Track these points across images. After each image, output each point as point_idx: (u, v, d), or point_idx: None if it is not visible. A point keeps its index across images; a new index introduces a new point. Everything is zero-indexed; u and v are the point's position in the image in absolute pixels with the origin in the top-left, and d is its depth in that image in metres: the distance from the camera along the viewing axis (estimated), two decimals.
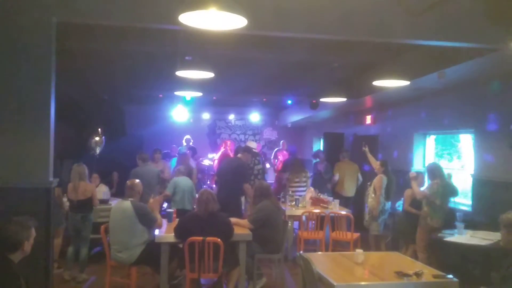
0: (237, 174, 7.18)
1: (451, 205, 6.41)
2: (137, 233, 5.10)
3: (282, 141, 13.34)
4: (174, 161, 10.75)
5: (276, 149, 13.27)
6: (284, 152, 12.47)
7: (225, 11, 3.18)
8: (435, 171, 6.17)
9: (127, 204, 5.14)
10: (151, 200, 5.54)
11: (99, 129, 9.87)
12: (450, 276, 3.98)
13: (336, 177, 8.91)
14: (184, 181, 7.35)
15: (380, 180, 7.07)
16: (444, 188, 6.01)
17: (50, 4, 4.35)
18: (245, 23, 3.43)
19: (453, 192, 6.14)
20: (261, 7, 4.36)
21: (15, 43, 4.36)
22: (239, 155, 7.70)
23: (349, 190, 8.89)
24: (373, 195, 7.10)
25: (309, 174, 8.81)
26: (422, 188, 6.35)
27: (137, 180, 5.50)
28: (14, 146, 4.38)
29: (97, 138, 9.99)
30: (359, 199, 8.04)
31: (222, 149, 11.48)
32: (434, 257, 6.05)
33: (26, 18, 4.34)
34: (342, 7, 4.63)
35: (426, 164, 7.55)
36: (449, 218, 6.09)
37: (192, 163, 9.58)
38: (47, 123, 4.45)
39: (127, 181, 5.55)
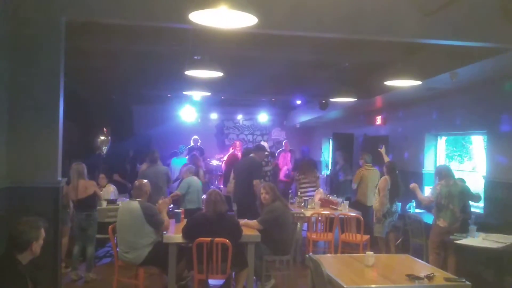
0: (251, 173, 7.22)
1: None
2: (145, 234, 5.06)
3: (284, 141, 13.20)
4: (176, 160, 10.70)
5: (279, 150, 13.18)
6: (287, 153, 12.40)
7: (235, 9, 3.14)
8: (441, 173, 6.13)
9: (135, 204, 5.11)
10: (160, 202, 5.50)
11: (104, 129, 9.90)
12: (463, 279, 3.90)
13: (354, 186, 8.09)
14: (196, 181, 7.39)
15: (383, 182, 7.01)
16: (450, 188, 5.92)
17: (59, 3, 4.34)
18: (255, 21, 3.39)
19: (464, 194, 6.02)
20: (271, 6, 4.31)
21: (24, 42, 4.36)
22: (252, 155, 7.69)
23: (371, 199, 7.79)
24: (377, 196, 7.03)
25: (318, 174, 8.70)
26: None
27: (145, 180, 5.47)
28: (22, 145, 4.38)
29: (102, 138, 10.00)
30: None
31: (231, 150, 11.46)
32: (448, 260, 5.98)
33: (36, 17, 4.34)
34: (353, 5, 4.57)
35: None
36: (464, 222, 5.98)
37: (202, 164, 9.54)
38: (56, 123, 4.45)
39: (135, 181, 5.52)
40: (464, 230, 5.81)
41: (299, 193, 8.21)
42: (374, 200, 7.73)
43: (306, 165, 8.74)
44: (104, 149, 10.41)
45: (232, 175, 8.15)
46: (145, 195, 5.28)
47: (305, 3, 4.46)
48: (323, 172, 12.73)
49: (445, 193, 5.91)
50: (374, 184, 7.85)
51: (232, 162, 9.46)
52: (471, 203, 6.29)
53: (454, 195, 5.91)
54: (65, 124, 4.64)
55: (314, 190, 8.20)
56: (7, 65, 4.31)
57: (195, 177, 7.49)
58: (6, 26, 4.27)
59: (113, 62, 7.83)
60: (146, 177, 6.66)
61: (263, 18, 3.55)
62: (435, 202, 6.04)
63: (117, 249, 5.20)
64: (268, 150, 9.40)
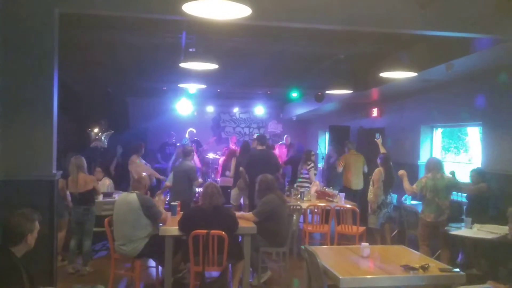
0: (269, 165, 7.35)
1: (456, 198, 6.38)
2: (142, 226, 5.08)
3: (286, 136, 13.25)
4: None
5: (280, 142, 13.22)
6: (283, 146, 12.44)
7: (229, 0, 3.12)
8: (429, 166, 6.15)
9: (132, 196, 5.14)
10: (156, 199, 5.53)
11: (101, 122, 9.86)
12: (457, 269, 3.93)
13: (339, 170, 8.68)
14: None
15: (378, 173, 7.03)
16: (435, 182, 5.93)
17: None
18: (249, 12, 3.38)
19: (451, 188, 6.04)
20: None
21: (17, 34, 4.32)
22: (263, 147, 7.86)
23: (356, 183, 8.64)
24: (371, 188, 7.06)
25: (312, 164, 8.69)
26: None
27: (144, 174, 5.53)
28: (17, 138, 4.36)
29: (95, 130, 9.97)
30: (365, 193, 7.98)
31: (231, 146, 11.53)
32: (441, 252, 6.02)
33: (29, 9, 4.31)
34: None
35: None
36: (454, 213, 6.02)
37: (196, 160, 9.53)
38: (50, 116, 4.42)
39: (135, 175, 5.58)
40: (458, 220, 5.86)
41: (295, 185, 8.28)
42: (359, 184, 8.48)
43: (306, 155, 8.77)
44: (105, 141, 10.36)
45: (233, 168, 8.22)
46: (143, 188, 5.33)
47: None
48: (319, 165, 12.75)
49: (430, 187, 5.93)
50: (358, 168, 8.57)
51: (230, 156, 9.51)
52: None
53: (439, 189, 5.92)
54: (60, 117, 4.62)
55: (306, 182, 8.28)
56: (0, 58, 4.27)
57: None
58: None
59: (107, 54, 7.80)
60: (176, 171, 7.11)
61: (257, 9, 3.54)
62: (420, 195, 6.07)
63: (114, 242, 5.22)
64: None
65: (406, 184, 6.28)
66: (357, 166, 8.63)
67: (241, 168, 7.72)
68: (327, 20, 4.64)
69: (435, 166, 6.06)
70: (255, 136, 9.28)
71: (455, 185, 6.08)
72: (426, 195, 5.96)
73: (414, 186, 6.12)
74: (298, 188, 8.02)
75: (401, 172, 6.43)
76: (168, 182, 7.34)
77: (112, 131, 10.64)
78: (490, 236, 5.28)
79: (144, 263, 5.89)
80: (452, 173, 6.39)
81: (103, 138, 10.09)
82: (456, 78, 7.03)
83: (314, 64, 8.16)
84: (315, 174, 8.61)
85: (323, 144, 14.39)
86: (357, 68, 8.39)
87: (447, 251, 5.95)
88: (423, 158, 8.81)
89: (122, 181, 8.96)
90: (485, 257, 5.69)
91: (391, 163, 7.22)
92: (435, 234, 5.98)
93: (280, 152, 11.96)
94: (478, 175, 6.41)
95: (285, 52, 7.34)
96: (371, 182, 7.15)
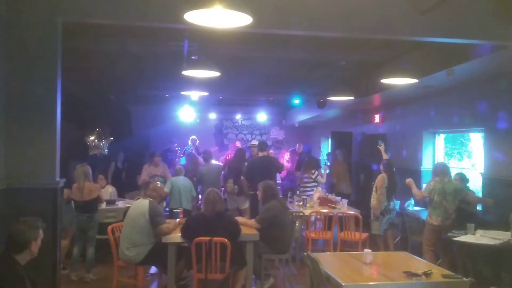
0: (271, 170, 7.66)
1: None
2: (147, 232, 5.11)
3: (298, 144, 13.22)
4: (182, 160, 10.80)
5: (291, 149, 13.18)
6: (288, 152, 12.45)
7: (230, 9, 3.16)
8: (437, 170, 6.19)
9: (145, 202, 5.22)
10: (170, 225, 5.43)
11: (99, 129, 9.90)
12: (460, 276, 3.92)
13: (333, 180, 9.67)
14: (180, 181, 7.53)
15: (381, 180, 7.03)
16: (443, 185, 5.95)
17: (55, 4, 4.34)
18: (250, 21, 3.41)
19: (458, 192, 6.04)
20: (266, 5, 4.32)
21: (20, 43, 4.36)
22: (264, 153, 8.04)
23: (342, 187, 9.47)
24: (374, 194, 7.07)
25: (317, 172, 8.69)
26: None
27: (159, 183, 5.73)
28: (20, 146, 4.37)
29: (91, 138, 10.01)
30: (367, 199, 7.96)
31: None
32: (445, 258, 6.00)
33: (31, 18, 4.34)
34: (348, 4, 4.58)
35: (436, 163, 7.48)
36: (461, 219, 6.00)
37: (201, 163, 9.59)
38: (53, 124, 4.45)
39: (150, 184, 5.66)
40: (462, 227, 5.83)
41: (300, 189, 8.30)
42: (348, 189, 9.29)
43: (311, 162, 8.78)
44: (105, 148, 10.39)
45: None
46: (158, 197, 5.42)
47: (300, 3, 4.47)
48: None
49: (438, 190, 5.94)
50: (343, 175, 9.75)
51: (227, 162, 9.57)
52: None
53: (447, 192, 5.93)
54: (63, 125, 4.65)
55: (312, 188, 8.25)
56: (4, 67, 4.31)
57: (181, 177, 7.66)
58: (2, 27, 4.27)
59: (110, 62, 7.85)
60: (202, 175, 7.75)
61: (257, 18, 3.57)
62: (428, 199, 6.08)
63: (117, 249, 5.23)
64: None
65: (415, 190, 6.31)
66: (342, 172, 9.75)
67: (242, 177, 7.75)
68: (328, 28, 4.66)
69: (442, 170, 6.09)
70: (252, 142, 9.29)
71: (461, 190, 6.11)
72: (434, 198, 5.96)
73: (423, 190, 6.14)
74: (301, 194, 8.03)
75: (408, 180, 6.46)
76: (166, 189, 7.36)
77: (112, 138, 10.69)
78: (493, 242, 5.27)
79: (147, 271, 5.90)
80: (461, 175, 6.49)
81: (102, 145, 10.14)
82: (458, 84, 7.04)
83: (315, 70, 8.19)
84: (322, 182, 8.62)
85: (326, 150, 14.37)
86: (358, 74, 8.41)
87: (448, 257, 5.93)
88: (426, 164, 8.81)
89: (121, 187, 8.97)
90: (488, 263, 5.67)
91: (394, 169, 7.22)
92: (440, 239, 5.96)
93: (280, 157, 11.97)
94: (460, 178, 6.45)
95: (287, 59, 7.38)
96: (373, 188, 7.14)
